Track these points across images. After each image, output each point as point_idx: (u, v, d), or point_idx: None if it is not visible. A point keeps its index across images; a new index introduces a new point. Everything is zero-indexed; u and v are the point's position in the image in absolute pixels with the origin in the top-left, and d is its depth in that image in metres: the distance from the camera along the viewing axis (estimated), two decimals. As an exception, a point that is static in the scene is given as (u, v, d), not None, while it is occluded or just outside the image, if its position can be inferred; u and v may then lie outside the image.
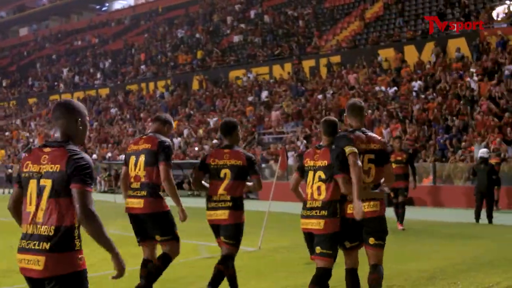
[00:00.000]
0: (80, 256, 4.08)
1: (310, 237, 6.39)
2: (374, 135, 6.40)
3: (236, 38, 46.80)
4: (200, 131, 36.59)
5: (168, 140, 7.18)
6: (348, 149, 6.05)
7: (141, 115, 42.58)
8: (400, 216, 14.08)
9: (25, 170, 4.21)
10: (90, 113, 44.63)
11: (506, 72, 26.38)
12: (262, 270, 9.51)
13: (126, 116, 44.42)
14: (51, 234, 4.00)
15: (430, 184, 22.72)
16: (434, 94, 27.67)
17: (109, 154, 38.42)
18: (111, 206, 21.82)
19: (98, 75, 54.10)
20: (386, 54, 33.44)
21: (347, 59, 35.58)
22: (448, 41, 31.75)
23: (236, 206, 7.29)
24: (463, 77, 27.77)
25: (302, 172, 6.59)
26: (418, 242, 12.08)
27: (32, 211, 4.11)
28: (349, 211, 6.15)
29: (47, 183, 4.07)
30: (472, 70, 27.67)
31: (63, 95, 51.37)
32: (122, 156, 28.64)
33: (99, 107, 48.30)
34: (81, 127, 4.27)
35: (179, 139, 36.89)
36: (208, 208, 7.45)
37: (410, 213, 15.61)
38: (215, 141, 32.34)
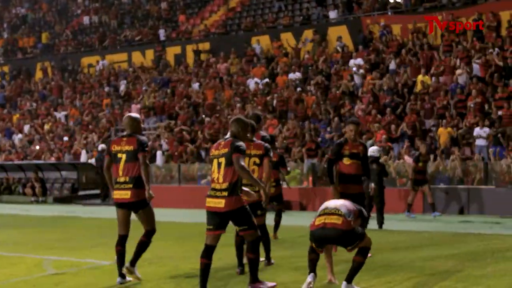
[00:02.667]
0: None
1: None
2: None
3: (88, 20, 45.70)
4: (46, 127, 35.39)
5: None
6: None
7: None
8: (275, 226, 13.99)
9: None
10: None
11: (391, 66, 27.46)
12: (119, 286, 9.23)
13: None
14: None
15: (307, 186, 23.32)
16: (314, 87, 28.32)
17: None
18: None
19: None
20: (261, 42, 33.83)
21: (217, 46, 35.69)
22: (329, 29, 32.61)
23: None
24: (345, 69, 28.62)
25: None
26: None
27: None
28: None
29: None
30: (354, 61, 28.57)
31: None
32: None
33: None
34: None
35: (19, 135, 35.49)
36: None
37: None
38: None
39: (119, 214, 9.52)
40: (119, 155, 9.34)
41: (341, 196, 10.38)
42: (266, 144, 9.78)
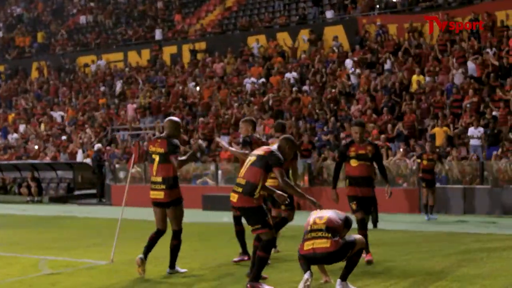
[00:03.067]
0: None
1: None
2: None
3: (84, 19, 45.64)
4: (43, 127, 35.33)
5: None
6: None
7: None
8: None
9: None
10: None
11: (387, 66, 27.50)
12: (116, 286, 9.23)
13: None
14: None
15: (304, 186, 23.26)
16: (310, 86, 28.34)
17: None
18: None
19: None
20: (257, 41, 33.79)
21: (213, 46, 35.67)
22: (325, 29, 32.64)
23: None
24: (341, 69, 28.64)
25: None
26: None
27: None
28: None
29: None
30: (350, 60, 28.58)
31: None
32: None
33: None
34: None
35: (15, 135, 35.43)
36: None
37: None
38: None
39: (156, 211, 10.05)
40: (154, 156, 9.92)
41: (350, 199, 10.39)
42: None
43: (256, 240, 8.69)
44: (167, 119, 10.33)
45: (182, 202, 10.11)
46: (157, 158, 9.83)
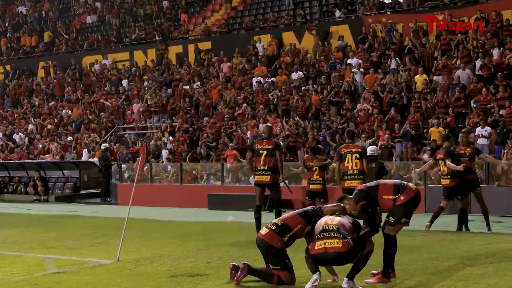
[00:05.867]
0: None
1: None
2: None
3: (90, 19, 45.69)
4: (49, 126, 35.38)
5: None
6: None
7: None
8: None
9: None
10: None
11: (392, 65, 27.44)
12: (122, 285, 9.21)
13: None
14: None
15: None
16: (315, 86, 28.31)
17: None
18: None
19: None
20: (263, 41, 33.80)
21: (218, 45, 35.65)
22: (330, 28, 32.59)
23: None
24: (346, 68, 28.59)
25: None
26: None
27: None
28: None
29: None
30: (355, 60, 28.53)
31: None
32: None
33: None
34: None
35: (20, 134, 35.48)
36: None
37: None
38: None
39: (258, 190, 13.67)
40: (261, 151, 13.43)
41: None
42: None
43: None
44: (265, 125, 15.17)
45: (279, 184, 13.75)
46: (264, 152, 13.37)
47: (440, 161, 14.79)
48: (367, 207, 8.64)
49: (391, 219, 8.76)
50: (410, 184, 8.88)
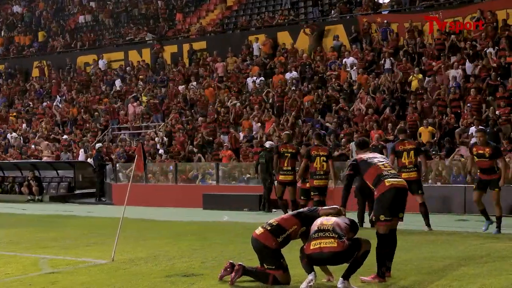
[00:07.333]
0: None
1: None
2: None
3: (84, 18, 45.62)
4: (43, 126, 35.30)
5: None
6: None
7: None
8: None
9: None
10: None
11: (387, 65, 27.46)
12: (116, 285, 9.20)
13: None
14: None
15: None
16: (310, 85, 28.30)
17: None
18: None
19: None
20: (257, 41, 33.77)
21: (213, 45, 35.63)
22: (325, 27, 32.57)
23: None
24: (341, 68, 28.60)
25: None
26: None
27: None
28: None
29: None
30: (350, 60, 28.55)
31: None
32: None
33: None
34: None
35: (13, 134, 35.39)
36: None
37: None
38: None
39: (282, 188, 17.03)
40: (286, 154, 16.66)
41: None
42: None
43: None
44: (284, 132, 18.34)
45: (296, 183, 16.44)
46: (288, 155, 16.61)
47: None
48: (351, 177, 9.21)
49: (373, 217, 8.92)
50: (388, 179, 8.76)
